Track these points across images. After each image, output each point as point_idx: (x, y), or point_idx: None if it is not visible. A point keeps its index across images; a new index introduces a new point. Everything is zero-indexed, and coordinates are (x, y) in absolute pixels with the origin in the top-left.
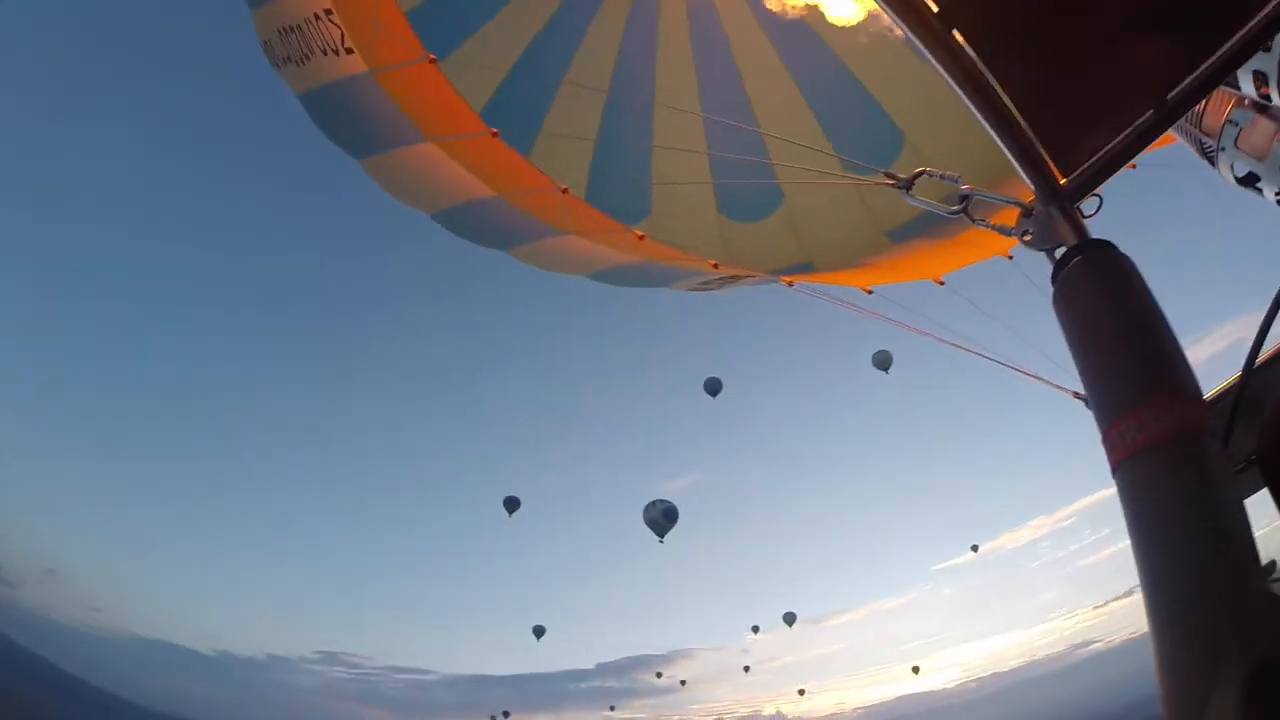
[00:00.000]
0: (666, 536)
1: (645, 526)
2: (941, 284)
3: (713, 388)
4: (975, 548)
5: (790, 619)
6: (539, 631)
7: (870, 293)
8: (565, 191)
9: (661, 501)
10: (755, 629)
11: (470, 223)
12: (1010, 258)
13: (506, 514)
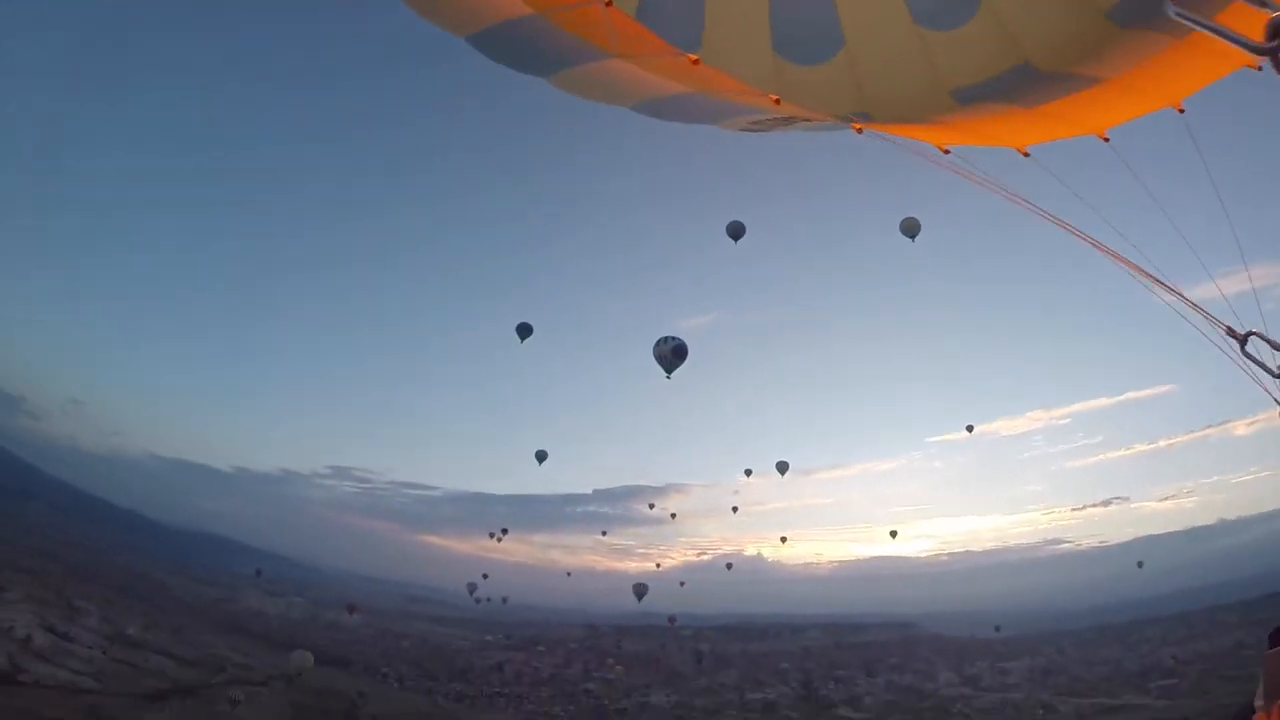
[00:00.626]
0: (674, 374)
1: (654, 361)
2: (1027, 155)
3: (735, 231)
4: (970, 428)
5: (783, 468)
6: (541, 456)
7: (947, 153)
8: (610, 4)
9: (672, 338)
10: (748, 472)
11: (507, 45)
12: (1106, 139)
13: (519, 339)
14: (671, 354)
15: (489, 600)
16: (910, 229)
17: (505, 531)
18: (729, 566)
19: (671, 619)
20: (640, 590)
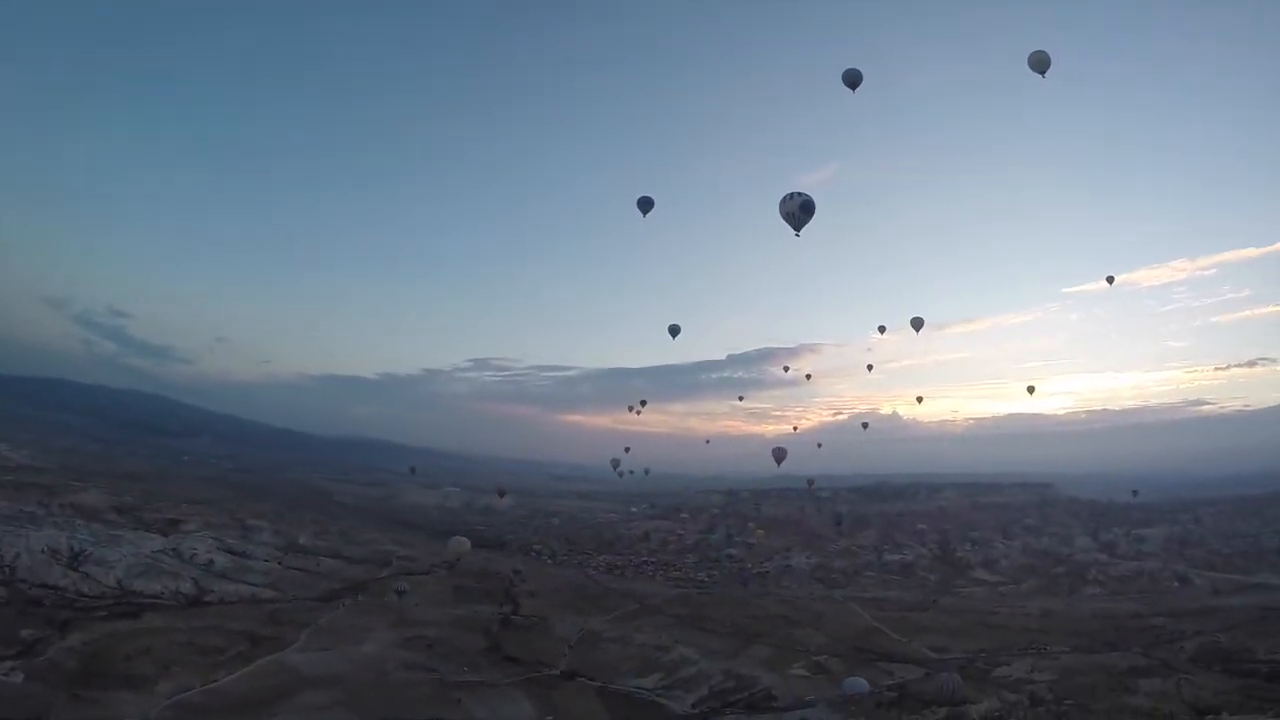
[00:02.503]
0: (803, 230)
1: (781, 220)
2: None
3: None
4: (1111, 279)
5: (918, 324)
6: (674, 330)
7: None
8: None
9: (799, 194)
10: (881, 329)
11: None
12: None
13: (641, 214)
14: (799, 210)
15: (631, 473)
16: (1040, 64)
17: (644, 404)
18: (865, 426)
19: (810, 481)
20: (780, 455)
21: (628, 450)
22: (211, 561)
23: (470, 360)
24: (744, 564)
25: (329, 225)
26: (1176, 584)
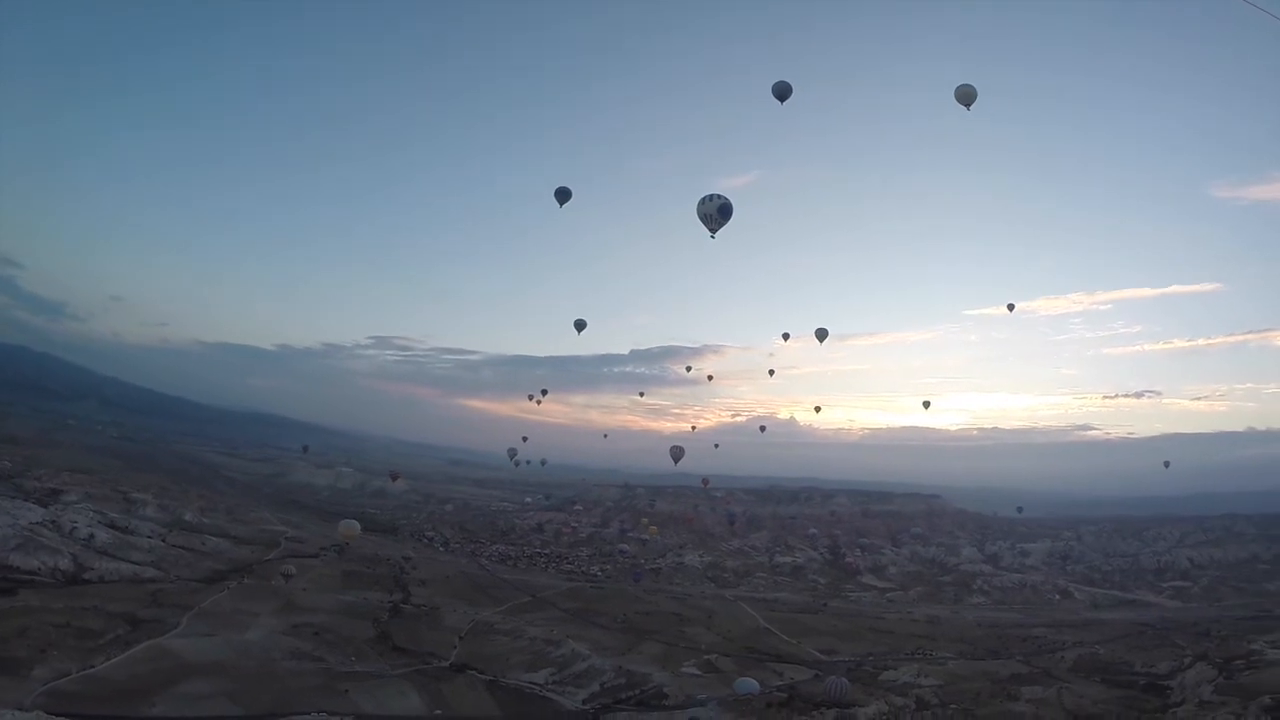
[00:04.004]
0: (719, 233)
1: (697, 220)
2: None
3: (781, 92)
4: (1011, 306)
5: (822, 334)
6: (580, 325)
7: None
8: None
9: (717, 196)
10: (785, 336)
11: None
12: None
13: (557, 205)
14: (717, 212)
15: (529, 463)
16: (965, 97)
17: (544, 393)
18: (762, 429)
19: (705, 480)
20: (677, 453)
21: (525, 439)
22: (92, 536)
23: (371, 337)
24: (637, 560)
25: (235, 189)
26: (1058, 597)
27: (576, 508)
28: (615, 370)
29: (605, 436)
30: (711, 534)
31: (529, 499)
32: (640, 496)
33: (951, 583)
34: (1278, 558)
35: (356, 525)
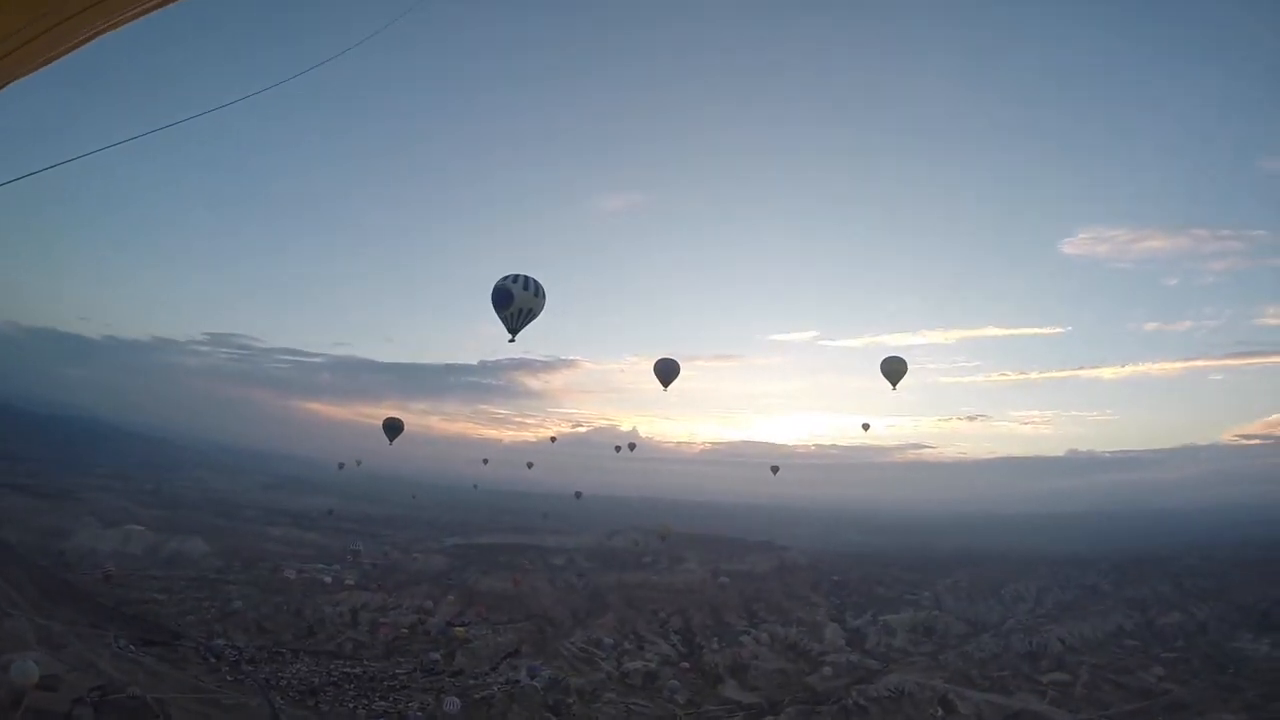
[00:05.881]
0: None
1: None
2: None
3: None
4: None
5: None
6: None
7: None
8: None
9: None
10: (634, 355)
11: None
12: None
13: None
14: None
15: (357, 464)
16: (894, 373)
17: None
18: (619, 448)
19: (578, 494)
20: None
21: (359, 463)
22: None
23: (207, 334)
24: (460, 676)
25: (73, 163)
26: (940, 712)
27: (398, 577)
28: (462, 380)
29: (485, 462)
30: (551, 621)
31: (346, 559)
32: (473, 558)
33: (824, 692)
34: (1140, 629)
35: (34, 671)
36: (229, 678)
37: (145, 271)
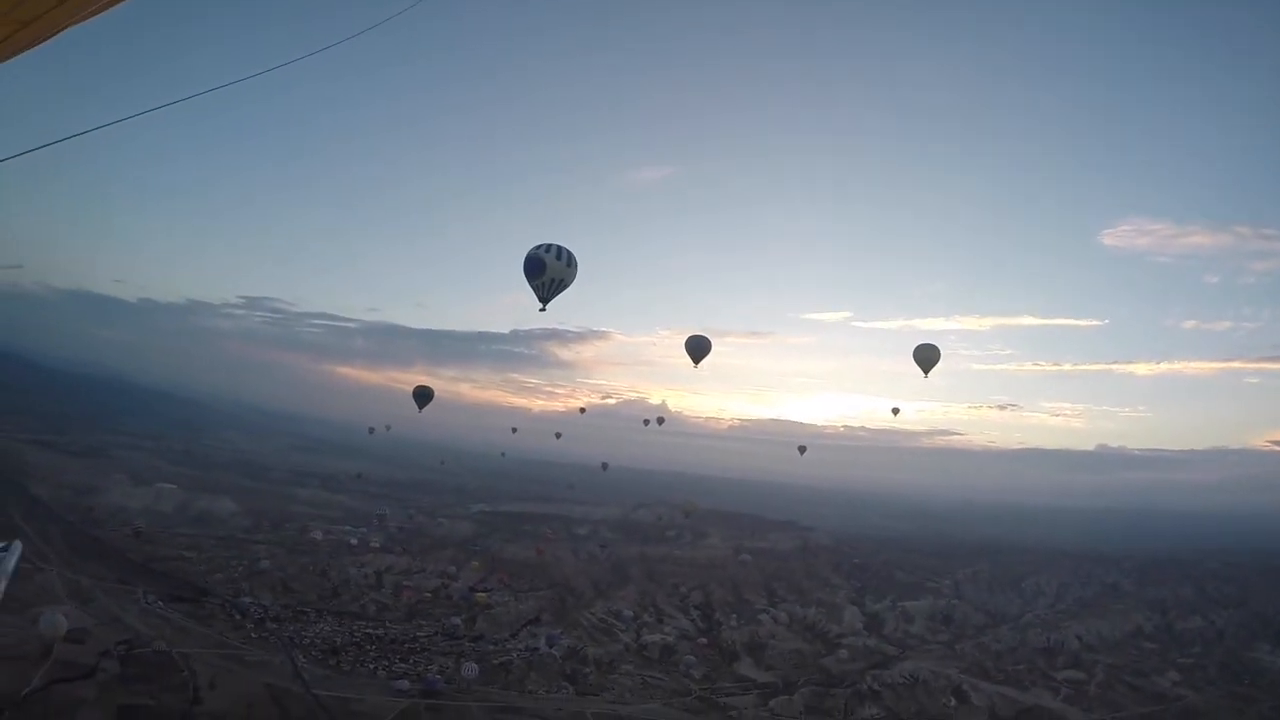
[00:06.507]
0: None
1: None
2: None
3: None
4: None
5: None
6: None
7: None
8: None
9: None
10: (666, 329)
11: None
12: None
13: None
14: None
15: (387, 429)
16: (926, 360)
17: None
18: (646, 423)
19: (604, 465)
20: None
21: (389, 428)
22: None
23: (242, 297)
24: (480, 641)
25: (113, 127)
26: (954, 702)
27: (425, 540)
28: (492, 348)
29: (514, 431)
30: (572, 590)
31: (376, 518)
32: (500, 524)
33: (839, 674)
34: (1159, 631)
35: (63, 623)
36: (253, 635)
37: (181, 235)
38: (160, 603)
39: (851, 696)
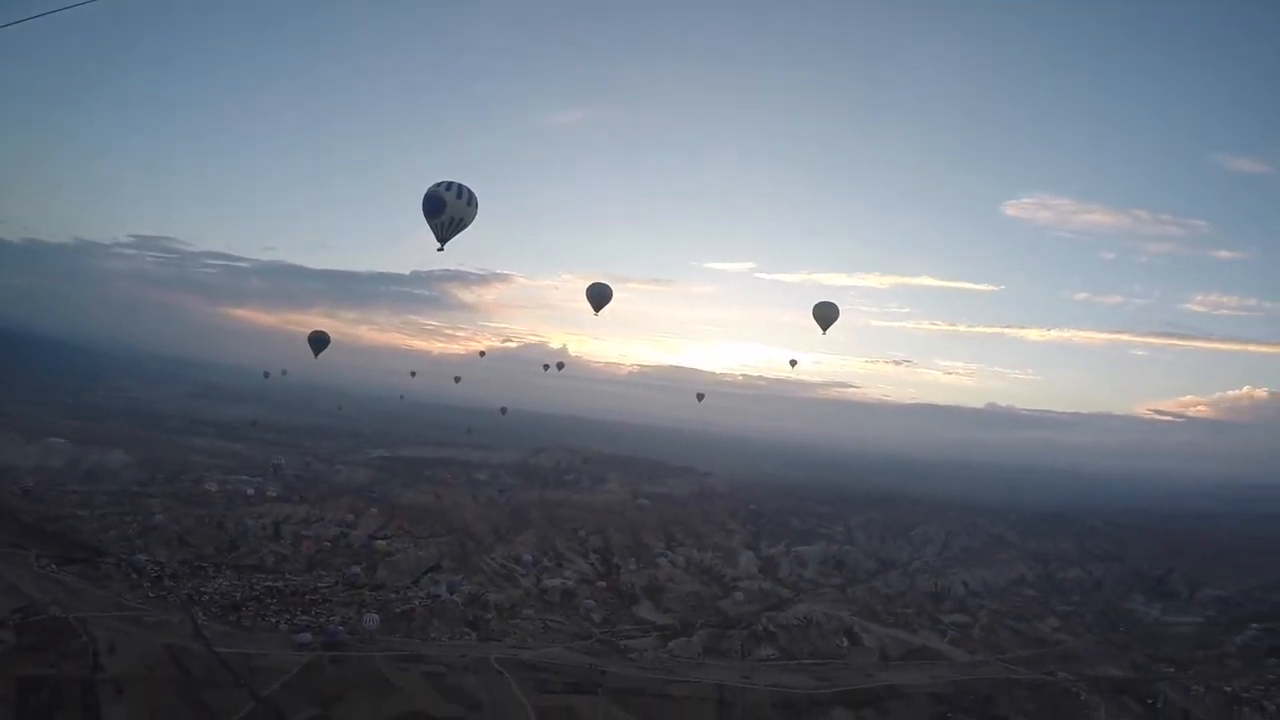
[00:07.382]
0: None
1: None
2: None
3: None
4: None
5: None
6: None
7: None
8: None
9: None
10: (569, 273)
11: None
12: None
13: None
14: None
15: (283, 374)
16: (825, 318)
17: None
18: (548, 368)
19: (503, 409)
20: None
21: (285, 373)
22: None
23: (132, 236)
24: (381, 590)
25: None
26: (845, 643)
27: (320, 488)
28: (392, 289)
29: (457, 380)
30: (472, 535)
31: (274, 463)
32: (396, 476)
33: (735, 616)
34: (1040, 581)
35: None
36: (151, 594)
37: (70, 171)
38: (54, 565)
39: (748, 638)
